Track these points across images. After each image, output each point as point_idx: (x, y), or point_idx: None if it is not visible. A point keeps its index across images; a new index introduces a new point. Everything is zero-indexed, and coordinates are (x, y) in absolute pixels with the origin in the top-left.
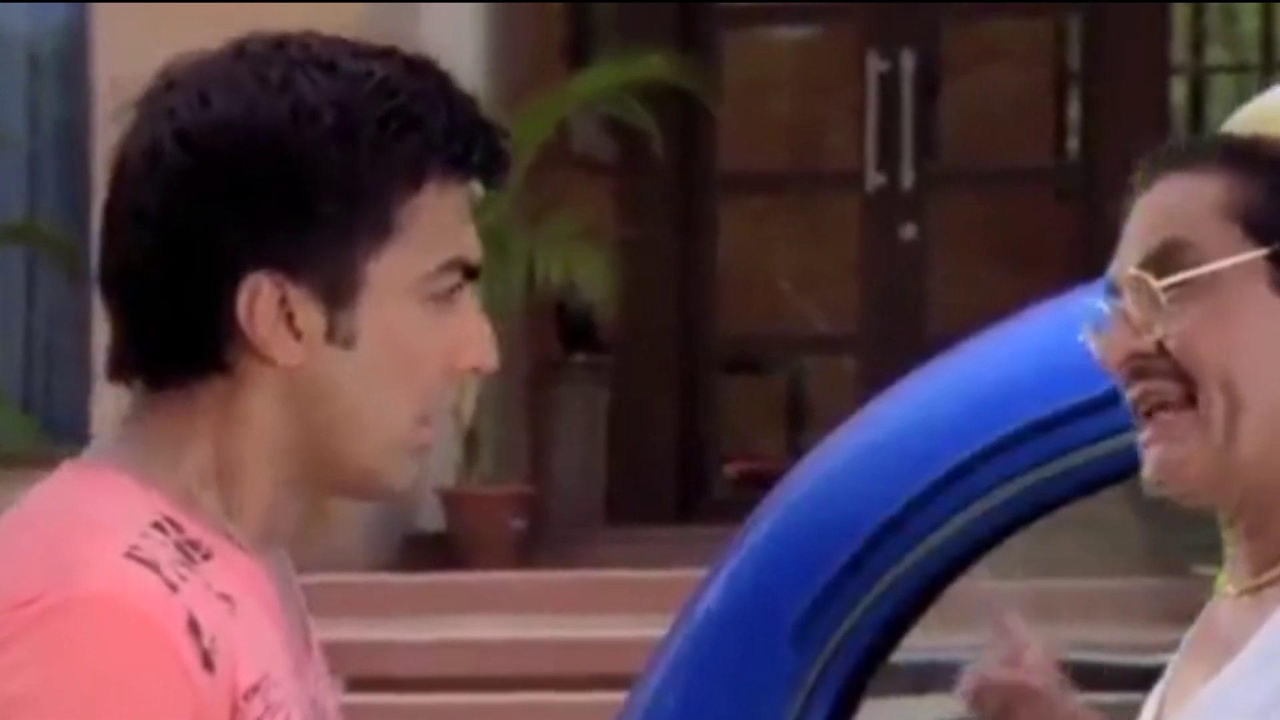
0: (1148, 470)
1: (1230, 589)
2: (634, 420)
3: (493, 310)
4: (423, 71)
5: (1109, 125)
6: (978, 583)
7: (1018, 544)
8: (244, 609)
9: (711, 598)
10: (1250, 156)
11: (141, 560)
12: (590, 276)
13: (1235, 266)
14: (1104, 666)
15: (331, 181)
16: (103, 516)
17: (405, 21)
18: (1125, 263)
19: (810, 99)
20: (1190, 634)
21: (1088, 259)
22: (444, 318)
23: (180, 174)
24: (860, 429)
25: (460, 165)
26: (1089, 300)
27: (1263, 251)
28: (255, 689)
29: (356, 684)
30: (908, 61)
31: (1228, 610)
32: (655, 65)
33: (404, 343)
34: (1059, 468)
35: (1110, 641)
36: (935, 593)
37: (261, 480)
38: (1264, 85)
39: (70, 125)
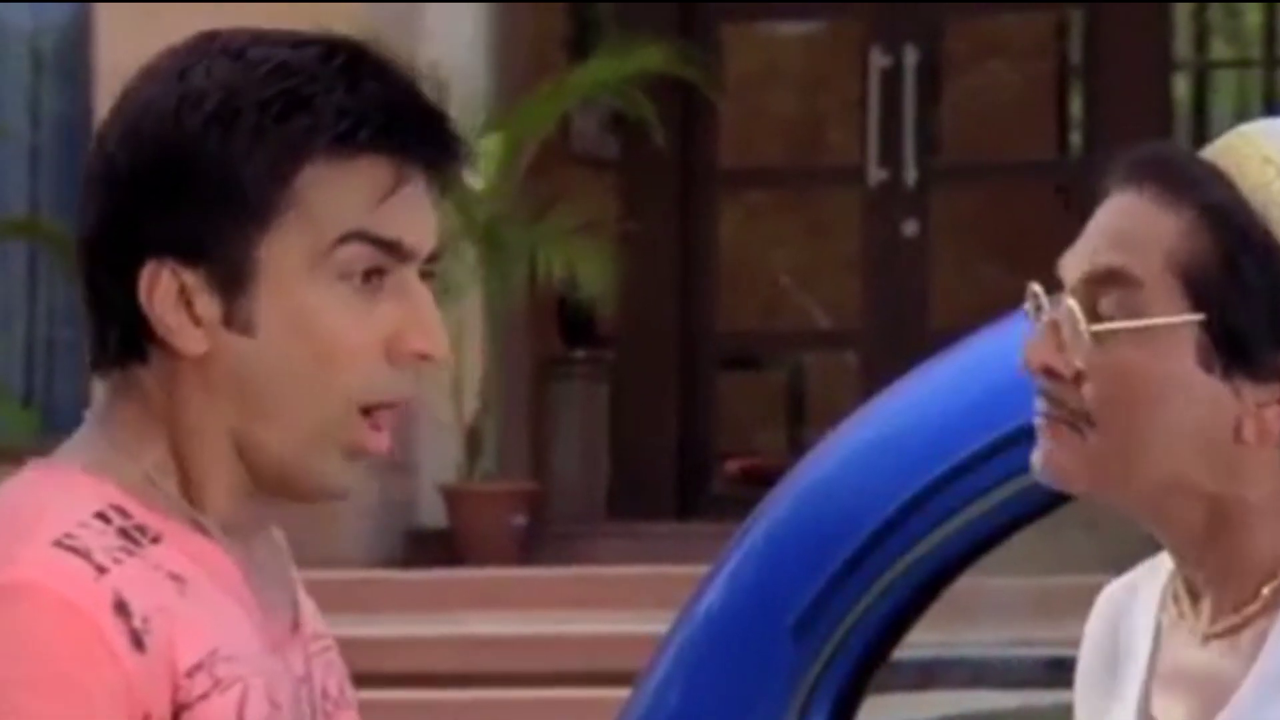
0: (1034, 462)
1: (1190, 635)
2: (635, 416)
3: (494, 306)
4: (334, 55)
5: (1111, 121)
6: (980, 580)
7: (1019, 541)
8: (196, 588)
9: (712, 595)
10: (1220, 212)
11: (70, 547)
12: (591, 272)
13: (1168, 324)
14: None
15: (207, 167)
16: (44, 510)
17: (407, 18)
18: (1073, 267)
19: (812, 94)
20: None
21: None
22: (374, 302)
23: (93, 172)
24: (861, 426)
25: (349, 141)
26: None
27: (1197, 317)
28: (199, 666)
29: (358, 680)
30: (910, 57)
31: (1193, 650)
32: (656, 57)
33: (317, 329)
34: None
35: None
36: (937, 590)
37: (213, 469)
38: (1267, 80)
39: (72, 120)
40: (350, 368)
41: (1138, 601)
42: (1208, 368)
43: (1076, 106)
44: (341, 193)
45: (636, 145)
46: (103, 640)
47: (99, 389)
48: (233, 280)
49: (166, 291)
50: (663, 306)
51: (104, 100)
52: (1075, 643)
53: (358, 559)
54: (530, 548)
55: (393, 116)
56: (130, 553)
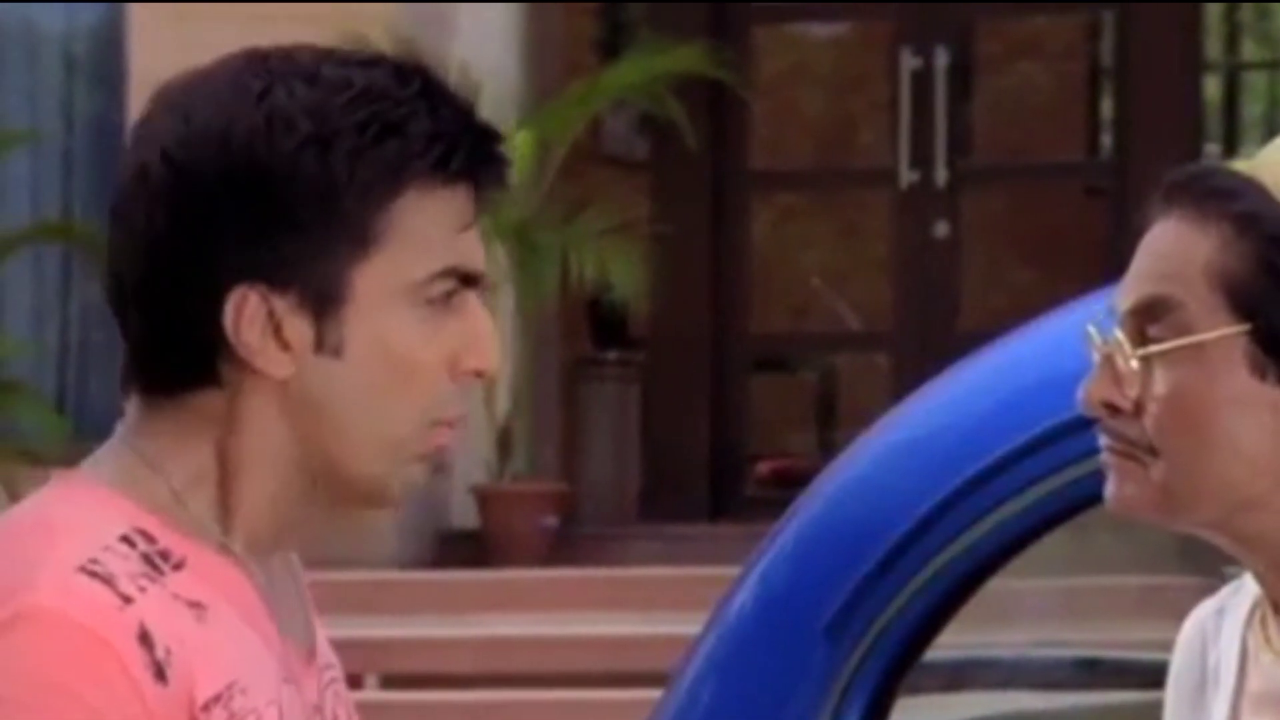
0: (1108, 494)
1: (1278, 656)
2: (666, 418)
3: (525, 307)
4: (408, 78)
5: (1142, 122)
6: (1010, 581)
7: (1050, 542)
8: (217, 616)
9: (744, 596)
10: (1252, 219)
11: (95, 574)
12: (622, 273)
13: (1216, 339)
14: (1135, 665)
15: (308, 190)
16: (68, 530)
17: (438, 20)
18: (1124, 298)
19: (843, 95)
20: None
21: (1120, 256)
22: (443, 323)
23: (163, 190)
24: (892, 427)
25: (443, 169)
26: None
27: (1243, 328)
28: (216, 698)
29: (390, 681)
30: (941, 58)
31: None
32: (687, 58)
33: (397, 350)
34: (1091, 467)
35: (1141, 640)
36: (968, 591)
37: (258, 489)
38: None
39: (105, 123)
40: (424, 387)
41: (1225, 624)
42: (1261, 376)
43: (1107, 108)
44: (434, 220)
45: (667, 147)
46: (126, 672)
47: (132, 401)
48: (326, 305)
49: (254, 316)
50: (694, 308)
51: (137, 102)
52: (1105, 644)
53: (389, 559)
54: (561, 549)
55: (474, 144)
56: (153, 580)
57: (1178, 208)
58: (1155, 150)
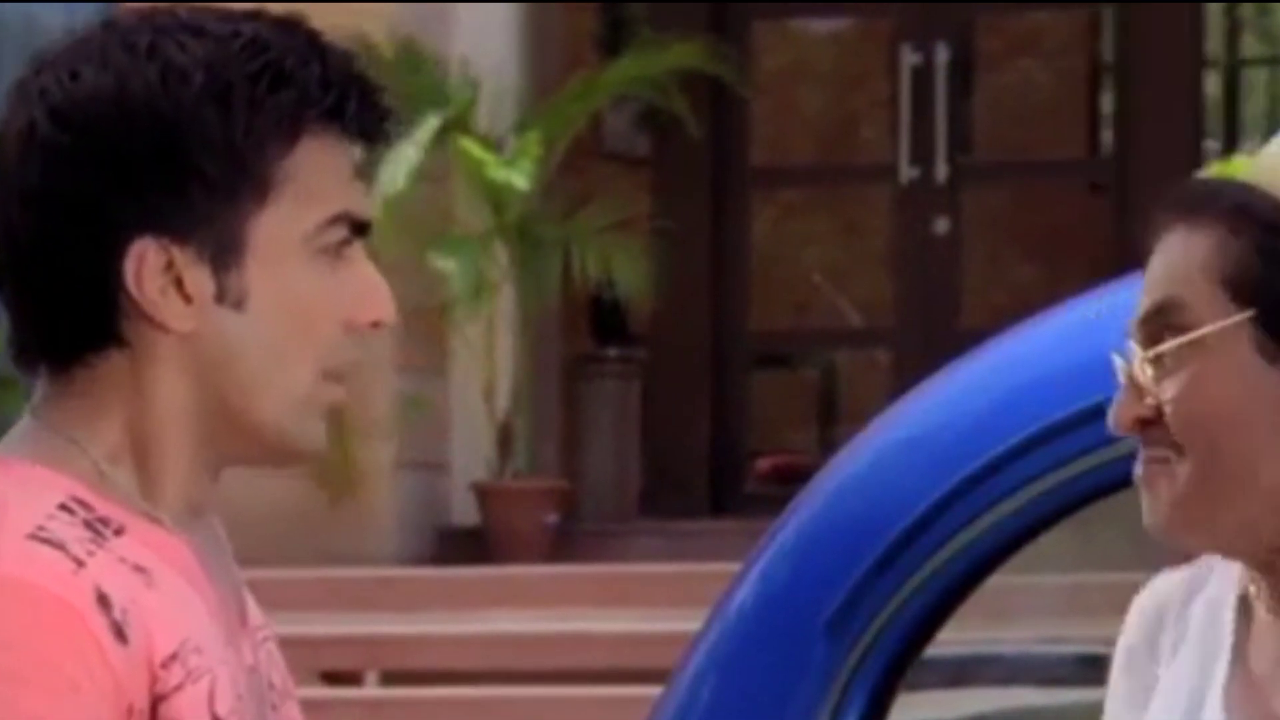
0: (1148, 523)
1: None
2: (667, 414)
3: (526, 304)
4: (292, 28)
5: (1143, 118)
6: (1011, 577)
7: (1051, 538)
8: (161, 579)
9: (745, 593)
10: (1242, 212)
11: (46, 540)
12: (623, 270)
13: (1221, 330)
14: None
15: (207, 141)
16: (7, 504)
17: (439, 17)
18: (1134, 313)
19: (843, 92)
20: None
21: (1120, 253)
22: (337, 273)
23: (56, 150)
24: (892, 425)
25: (336, 118)
26: (1123, 295)
27: (1246, 314)
28: (173, 656)
29: (390, 677)
30: (941, 54)
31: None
32: (688, 54)
33: (297, 300)
34: (1091, 463)
35: None
36: (969, 588)
37: (175, 452)
38: None
39: None
40: (323, 337)
41: (1195, 609)
42: (1271, 360)
43: (1108, 104)
44: (327, 169)
45: (669, 143)
46: (90, 633)
47: (40, 377)
48: (226, 256)
49: (155, 269)
50: (695, 304)
51: None
52: (1107, 640)
53: (390, 557)
54: (562, 545)
55: (361, 93)
56: (98, 545)
57: (1175, 219)
58: (1156, 147)
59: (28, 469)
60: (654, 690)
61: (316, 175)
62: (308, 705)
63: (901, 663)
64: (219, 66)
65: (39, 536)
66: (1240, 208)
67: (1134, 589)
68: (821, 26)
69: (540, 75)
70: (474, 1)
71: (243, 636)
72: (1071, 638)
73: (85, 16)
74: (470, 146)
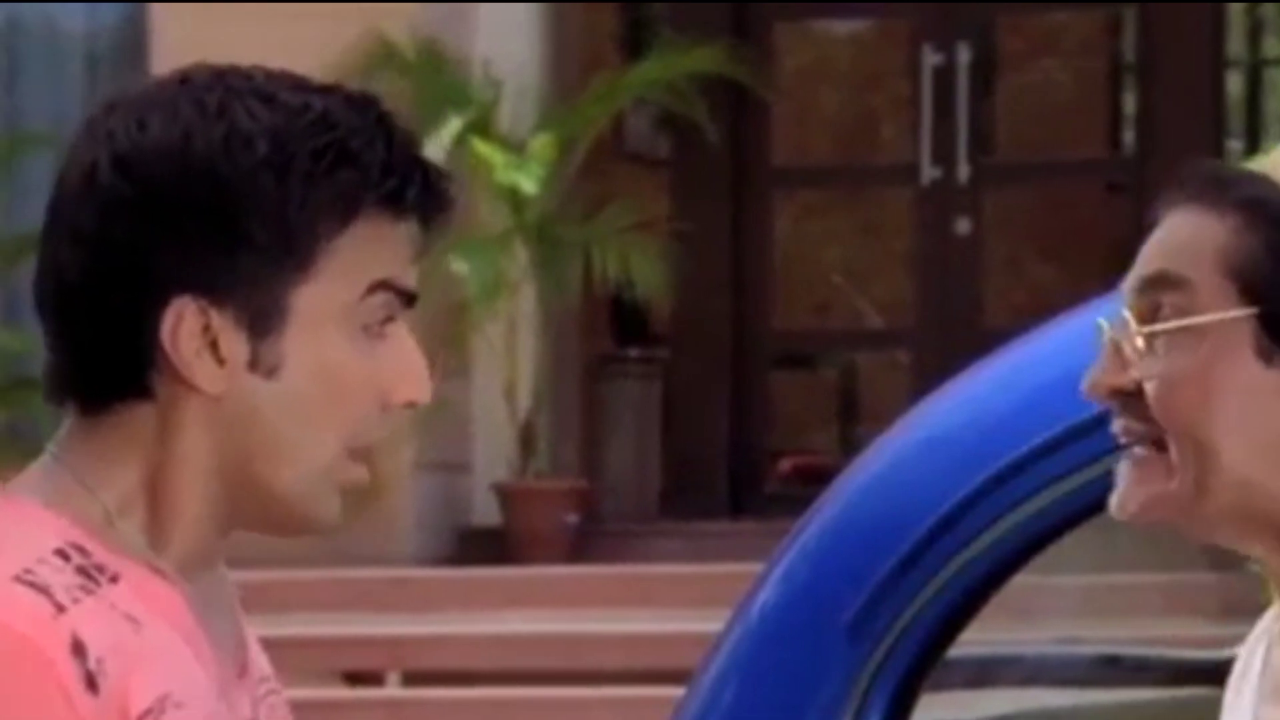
0: (1112, 503)
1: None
2: (687, 415)
3: (547, 305)
4: (363, 107)
5: (1164, 118)
6: (1033, 578)
7: (1073, 540)
8: (151, 630)
9: (766, 593)
10: (1259, 206)
11: (30, 584)
12: (644, 271)
13: (1222, 321)
14: (1157, 662)
15: (261, 210)
16: (2, 543)
17: (460, 17)
18: (1132, 276)
19: (864, 92)
20: (1246, 674)
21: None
22: (376, 349)
23: (114, 196)
24: (914, 425)
25: (394, 202)
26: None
27: (1251, 311)
28: (148, 711)
29: (411, 678)
30: (963, 55)
31: None
32: (709, 58)
33: (332, 374)
34: (1114, 465)
35: (1165, 636)
36: (990, 589)
37: (188, 508)
38: None
39: None
40: (353, 413)
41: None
42: (1267, 361)
43: (1130, 104)
44: (383, 250)
45: (689, 144)
46: (57, 681)
47: (67, 416)
48: (264, 324)
49: (191, 330)
50: (715, 305)
51: None
52: (1127, 640)
53: (411, 557)
54: (583, 546)
55: (424, 179)
56: (89, 591)
57: (1193, 198)
58: (1177, 147)
59: (31, 509)
60: (675, 691)
61: (365, 251)
62: (329, 706)
63: (924, 664)
64: (283, 138)
65: (24, 579)
66: (1257, 201)
67: (1155, 590)
68: (843, 27)
69: (561, 76)
70: (495, 1)
71: (240, 689)
72: (1090, 639)
73: (107, 18)
74: (484, 148)
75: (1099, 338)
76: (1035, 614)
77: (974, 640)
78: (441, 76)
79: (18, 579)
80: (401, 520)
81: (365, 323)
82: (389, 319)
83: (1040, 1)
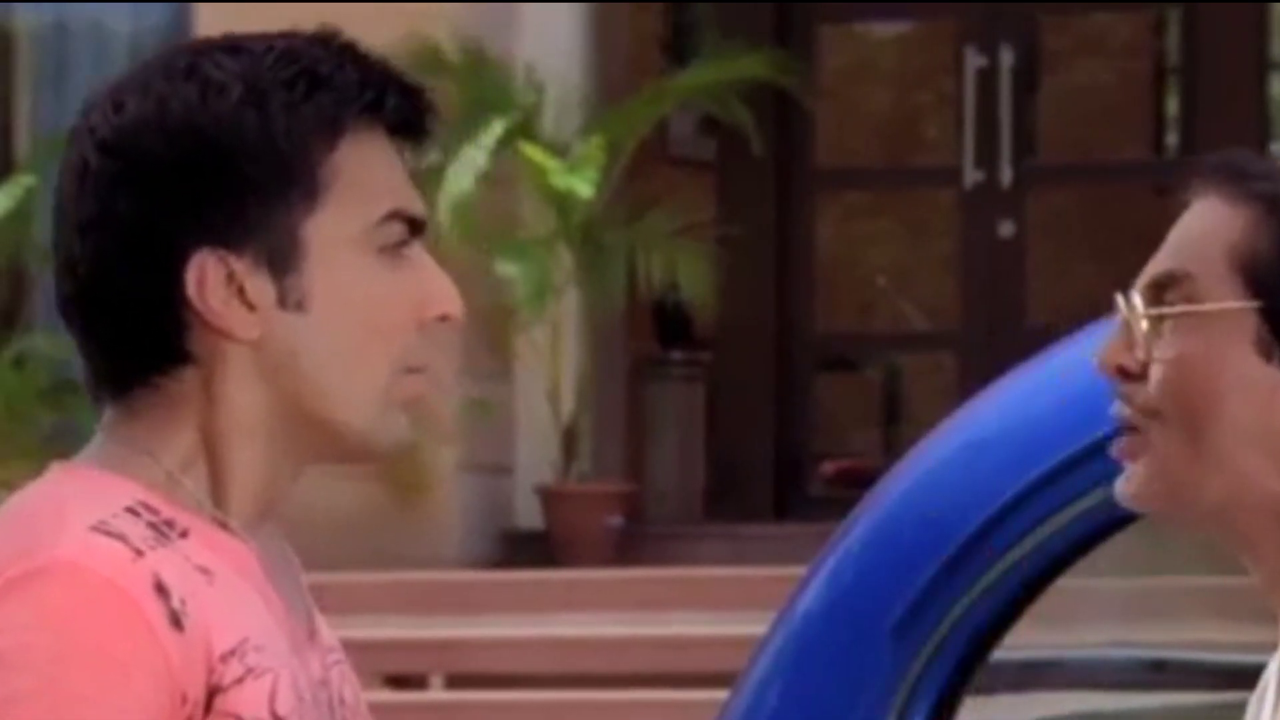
0: (1117, 487)
1: None
2: (731, 418)
3: (592, 308)
4: (326, 40)
5: (1208, 120)
6: (1078, 580)
7: (1118, 542)
8: (223, 580)
9: (810, 596)
10: (1276, 202)
11: (107, 532)
12: (689, 274)
13: (1225, 312)
14: (1204, 665)
15: (250, 149)
16: (75, 502)
17: (505, 20)
18: (1147, 270)
19: (908, 95)
20: (1267, 692)
21: None
22: (398, 271)
23: (108, 178)
24: (959, 427)
25: (376, 113)
26: None
27: (1254, 304)
28: (232, 652)
29: (455, 680)
30: (1006, 57)
31: None
32: (753, 64)
33: (361, 298)
34: None
35: (1211, 640)
36: (1036, 591)
37: (248, 459)
38: None
39: None
40: (394, 332)
41: None
42: (1267, 356)
43: (1173, 106)
44: (374, 167)
45: (733, 147)
46: (143, 619)
47: (110, 407)
48: (283, 260)
49: (216, 280)
50: (759, 308)
51: None
52: (1174, 644)
53: (455, 560)
54: (626, 549)
55: (400, 90)
56: (162, 544)
57: (1213, 190)
58: (1221, 148)
59: (96, 475)
60: (719, 694)
61: (364, 173)
62: (372, 709)
63: (968, 666)
64: (254, 77)
65: (100, 529)
66: (1275, 197)
67: (1202, 593)
68: (886, 29)
69: (605, 78)
70: (540, 1)
71: (310, 649)
72: (1137, 641)
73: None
74: (533, 153)
75: (1115, 315)
76: (1082, 617)
77: (1020, 643)
78: (484, 79)
79: (95, 528)
80: (445, 523)
81: (381, 246)
82: (403, 243)
83: (1084, 2)
